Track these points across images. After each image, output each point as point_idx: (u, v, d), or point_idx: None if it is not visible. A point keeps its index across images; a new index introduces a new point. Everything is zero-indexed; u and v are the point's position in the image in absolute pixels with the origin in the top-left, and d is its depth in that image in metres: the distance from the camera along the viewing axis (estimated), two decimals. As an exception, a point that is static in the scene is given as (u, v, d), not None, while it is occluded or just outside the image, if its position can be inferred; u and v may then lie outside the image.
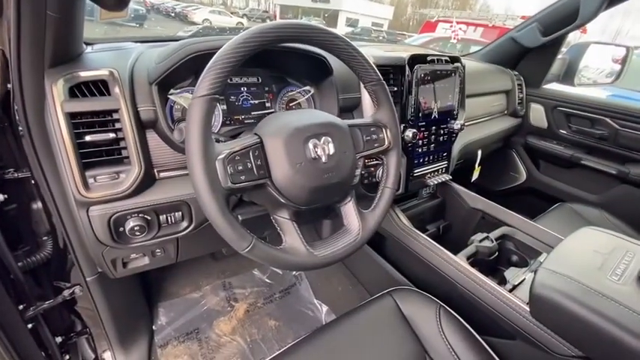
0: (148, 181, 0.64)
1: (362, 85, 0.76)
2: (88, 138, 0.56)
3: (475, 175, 1.43)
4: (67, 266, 0.95)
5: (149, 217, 0.65)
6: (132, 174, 0.60)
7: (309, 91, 0.88)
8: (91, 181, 0.58)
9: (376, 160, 0.90)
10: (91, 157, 0.57)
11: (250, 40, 0.47)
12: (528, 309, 0.70)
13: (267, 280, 1.38)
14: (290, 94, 0.87)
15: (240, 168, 0.49)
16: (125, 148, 0.60)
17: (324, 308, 1.25)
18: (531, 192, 1.74)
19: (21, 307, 0.81)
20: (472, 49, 2.19)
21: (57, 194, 0.64)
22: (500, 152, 1.76)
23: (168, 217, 0.67)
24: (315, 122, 0.57)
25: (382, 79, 0.65)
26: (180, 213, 0.68)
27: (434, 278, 0.91)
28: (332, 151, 0.56)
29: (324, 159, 0.55)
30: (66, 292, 0.92)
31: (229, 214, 0.47)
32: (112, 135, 0.58)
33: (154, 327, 1.15)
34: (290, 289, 1.37)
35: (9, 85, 0.65)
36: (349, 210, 0.64)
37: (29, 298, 0.84)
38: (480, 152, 1.37)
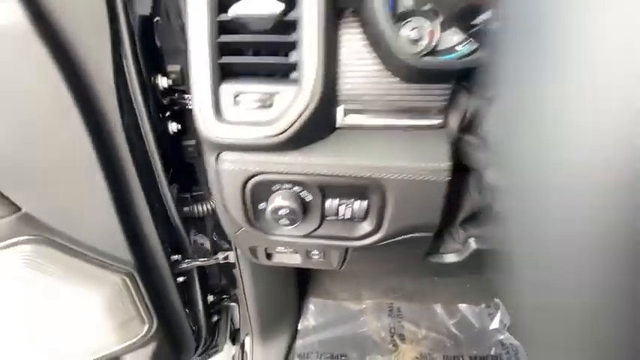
0: (321, 125, 0.31)
1: None
2: (235, 11, 0.28)
3: None
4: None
5: (308, 198, 0.33)
6: (298, 102, 0.29)
7: None
8: (227, 100, 0.30)
9: None
10: (234, 54, 0.29)
11: None
12: None
13: (452, 330, 0.92)
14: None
15: None
16: (294, 46, 0.29)
17: None
18: None
19: (175, 257, 0.71)
20: None
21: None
22: None
23: (341, 207, 0.33)
24: None
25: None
26: (365, 203, 0.34)
27: None
28: None
29: None
30: (220, 255, 0.79)
31: None
32: (276, 10, 0.28)
33: (299, 326, 0.93)
34: (490, 360, 0.86)
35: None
36: None
37: (186, 250, 0.74)
38: None
